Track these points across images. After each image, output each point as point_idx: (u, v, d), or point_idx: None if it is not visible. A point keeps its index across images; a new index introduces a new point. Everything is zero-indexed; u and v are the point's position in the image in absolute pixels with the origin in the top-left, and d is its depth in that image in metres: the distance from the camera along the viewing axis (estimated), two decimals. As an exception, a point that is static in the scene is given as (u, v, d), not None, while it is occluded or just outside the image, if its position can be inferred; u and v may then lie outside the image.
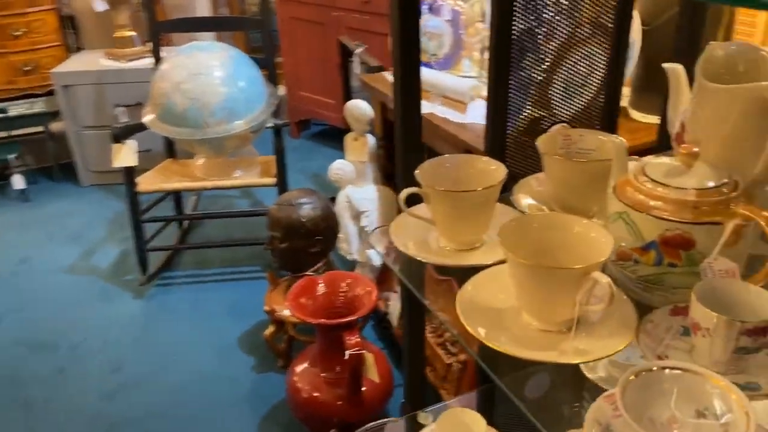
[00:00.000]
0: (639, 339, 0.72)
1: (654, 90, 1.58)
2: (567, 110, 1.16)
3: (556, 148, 0.99)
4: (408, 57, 0.91)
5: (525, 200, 1.03)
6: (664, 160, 0.80)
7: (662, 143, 1.16)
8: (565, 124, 1.13)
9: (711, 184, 0.75)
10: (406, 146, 0.96)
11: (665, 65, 1.03)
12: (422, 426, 1.11)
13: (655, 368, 0.61)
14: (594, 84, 1.24)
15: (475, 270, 0.87)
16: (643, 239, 0.75)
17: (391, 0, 0.87)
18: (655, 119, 1.65)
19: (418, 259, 0.92)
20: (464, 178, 0.91)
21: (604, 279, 0.68)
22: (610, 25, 1.17)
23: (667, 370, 0.60)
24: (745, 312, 0.67)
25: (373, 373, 1.85)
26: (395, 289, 2.29)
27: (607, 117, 1.18)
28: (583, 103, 1.22)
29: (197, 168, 2.81)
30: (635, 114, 1.78)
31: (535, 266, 0.71)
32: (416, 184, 0.97)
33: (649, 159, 0.82)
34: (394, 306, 2.26)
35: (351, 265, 2.53)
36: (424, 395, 1.39)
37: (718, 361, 0.67)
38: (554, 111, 1.13)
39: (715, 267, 0.72)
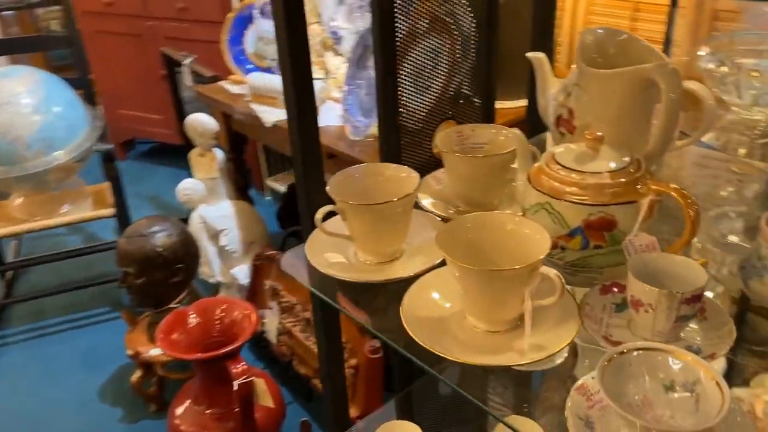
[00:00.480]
0: (584, 324, 0.74)
1: (507, 77, 1.65)
2: (418, 105, 1.16)
3: (452, 145, 0.99)
4: (301, 75, 0.84)
5: (425, 200, 1.02)
6: (570, 147, 0.83)
7: (534, 125, 1.21)
8: (451, 121, 1.13)
9: (619, 165, 0.79)
10: (306, 168, 0.90)
11: (528, 54, 1.07)
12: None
13: (624, 351, 0.62)
14: (440, 77, 1.24)
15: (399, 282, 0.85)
16: (568, 226, 0.77)
17: (275, 10, 0.79)
18: (514, 104, 1.74)
19: (341, 278, 0.87)
20: (375, 187, 0.88)
21: (553, 272, 0.69)
22: (448, 19, 1.19)
23: (635, 353, 0.62)
24: (677, 282, 0.71)
25: (266, 399, 1.76)
26: (268, 305, 2.19)
27: (485, 108, 1.20)
28: (433, 98, 1.22)
29: (15, 209, 2.47)
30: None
31: (482, 270, 0.70)
32: (321, 200, 0.92)
33: (555, 148, 0.84)
34: (270, 323, 2.16)
35: (214, 288, 2.39)
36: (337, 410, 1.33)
37: (661, 332, 0.70)
38: (407, 108, 1.12)
39: (636, 243, 0.75)
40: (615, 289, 0.79)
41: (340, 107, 1.83)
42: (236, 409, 1.78)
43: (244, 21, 2.27)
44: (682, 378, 0.61)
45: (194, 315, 1.84)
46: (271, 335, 2.18)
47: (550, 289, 0.71)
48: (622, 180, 0.77)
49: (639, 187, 0.76)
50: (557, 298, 0.69)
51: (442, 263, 0.82)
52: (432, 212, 0.97)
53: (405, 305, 0.78)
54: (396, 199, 0.83)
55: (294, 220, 2.34)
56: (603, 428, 0.58)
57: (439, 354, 0.71)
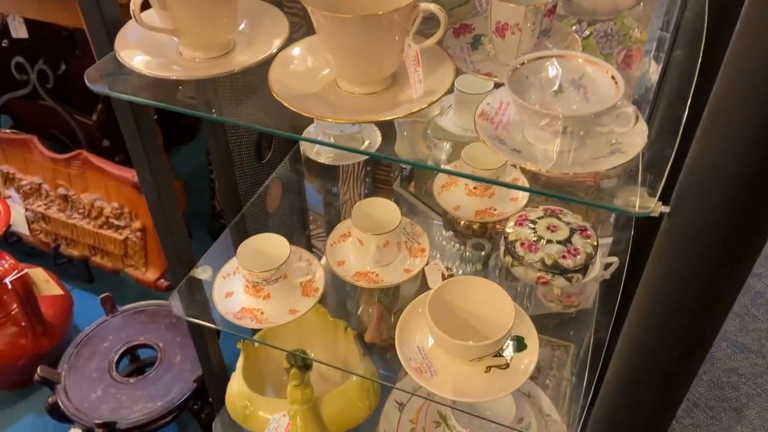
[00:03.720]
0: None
1: None
2: None
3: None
4: None
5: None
6: None
7: None
8: None
9: None
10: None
11: None
12: (200, 281, 0.95)
13: (523, 62, 0.62)
14: None
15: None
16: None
17: None
18: None
19: (173, 77, 0.70)
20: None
21: (433, 6, 0.64)
22: None
23: (539, 61, 0.62)
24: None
25: (50, 287, 1.50)
26: (5, 194, 1.81)
27: None
28: None
29: None
30: None
31: (356, 18, 0.61)
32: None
33: None
34: (15, 214, 1.80)
35: None
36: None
37: (525, 51, 0.72)
38: None
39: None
40: (465, 31, 0.77)
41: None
42: (14, 310, 1.50)
43: None
44: (571, 77, 0.63)
45: None
46: (21, 227, 1.83)
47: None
48: None
49: None
50: (442, 33, 0.65)
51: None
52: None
53: (272, 81, 0.66)
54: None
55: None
56: (512, 142, 0.59)
57: (318, 117, 0.64)
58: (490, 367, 0.79)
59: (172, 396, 1.38)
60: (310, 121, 0.88)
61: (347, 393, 1.06)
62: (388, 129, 1.20)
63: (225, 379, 1.11)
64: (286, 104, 0.63)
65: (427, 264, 0.93)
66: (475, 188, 0.98)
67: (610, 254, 1.04)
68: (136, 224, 1.67)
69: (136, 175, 1.60)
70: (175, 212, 0.86)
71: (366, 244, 0.90)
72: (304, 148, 1.14)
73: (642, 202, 0.51)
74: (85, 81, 0.70)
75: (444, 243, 1.23)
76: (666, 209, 0.50)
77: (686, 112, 0.56)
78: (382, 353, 1.16)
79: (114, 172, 1.62)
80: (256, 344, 1.15)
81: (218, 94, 0.76)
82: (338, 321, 1.14)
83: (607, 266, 0.99)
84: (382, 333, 1.11)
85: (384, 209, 0.94)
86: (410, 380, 1.14)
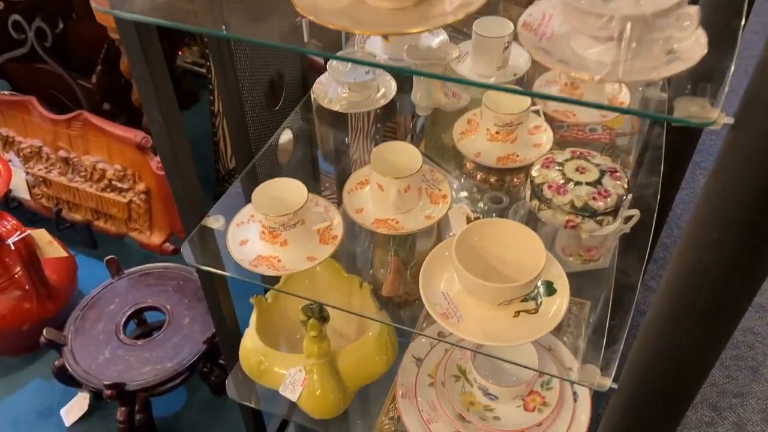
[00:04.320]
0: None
1: None
2: None
3: None
4: None
5: None
6: None
7: None
8: None
9: None
10: None
11: None
12: (211, 229, 0.91)
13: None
14: None
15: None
16: None
17: None
18: None
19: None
20: None
21: None
22: None
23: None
24: None
25: (54, 249, 1.46)
26: (4, 158, 1.76)
27: None
28: None
29: None
30: None
31: None
32: None
33: None
34: (15, 178, 1.75)
35: None
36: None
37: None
38: None
39: None
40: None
41: None
42: (17, 273, 1.47)
43: None
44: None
45: None
46: (22, 192, 1.78)
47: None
48: None
49: None
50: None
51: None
52: None
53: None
54: None
55: None
56: (559, 53, 0.54)
57: (343, 29, 0.59)
58: (519, 311, 0.76)
59: (181, 357, 1.35)
60: (334, 48, 0.83)
61: (364, 347, 1.02)
62: (404, 82, 1.15)
63: (237, 336, 1.07)
64: (308, 17, 0.58)
65: (450, 209, 0.89)
66: (497, 133, 0.94)
67: (631, 207, 1.01)
68: (140, 186, 1.62)
69: (139, 136, 1.56)
70: (186, 157, 0.82)
71: (386, 188, 0.86)
72: (316, 95, 1.09)
73: (703, 112, 0.47)
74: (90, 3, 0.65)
75: (460, 197, 1.19)
76: (730, 120, 0.46)
77: (744, 21, 0.52)
78: (397, 309, 1.13)
79: (116, 133, 1.57)
80: (269, 300, 1.11)
81: (233, 12, 0.70)
82: (352, 276, 1.10)
83: (627, 219, 0.95)
84: (398, 287, 1.07)
85: (403, 153, 0.89)
86: (430, 333, 1.10)
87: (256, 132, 1.03)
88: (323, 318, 0.95)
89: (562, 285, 0.77)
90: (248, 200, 0.95)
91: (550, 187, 0.82)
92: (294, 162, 1.13)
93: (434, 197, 0.91)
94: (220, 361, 1.43)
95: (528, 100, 0.93)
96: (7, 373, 1.54)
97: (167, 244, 1.67)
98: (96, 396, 1.41)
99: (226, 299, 1.01)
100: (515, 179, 1.18)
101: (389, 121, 1.29)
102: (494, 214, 1.14)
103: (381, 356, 1.04)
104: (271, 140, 1.04)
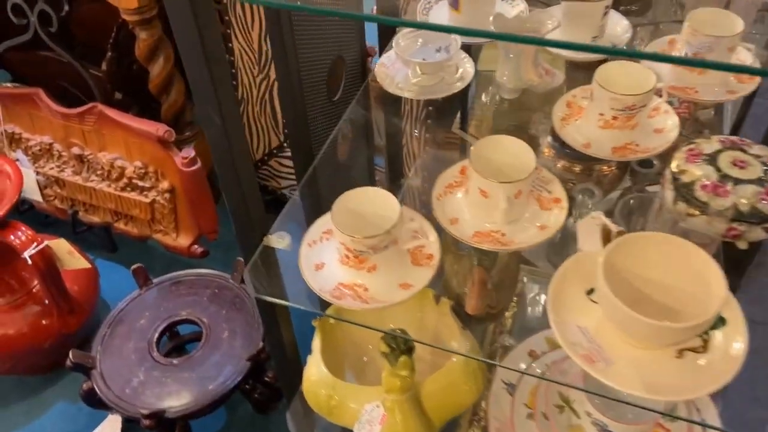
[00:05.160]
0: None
1: None
2: None
3: None
4: None
5: None
6: None
7: None
8: None
9: None
10: None
11: None
12: (274, 249, 0.75)
13: None
14: None
15: None
16: None
17: None
18: None
19: None
20: None
21: None
22: None
23: None
24: None
25: (75, 261, 1.29)
26: (12, 158, 1.59)
27: None
28: None
29: None
30: None
31: None
32: None
33: None
34: (25, 179, 1.58)
35: None
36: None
37: None
38: None
39: None
40: None
41: None
42: (35, 287, 1.30)
43: None
44: None
45: None
46: (33, 193, 1.61)
47: None
48: None
49: None
50: None
51: None
52: None
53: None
54: None
55: None
56: None
57: None
58: (683, 350, 0.59)
59: (224, 378, 1.19)
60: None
61: (450, 375, 0.87)
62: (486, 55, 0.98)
63: (298, 365, 0.91)
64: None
65: (570, 217, 0.72)
66: (614, 119, 0.76)
67: None
68: (164, 184, 1.45)
69: (161, 129, 1.37)
70: (247, 166, 0.65)
71: (492, 195, 0.68)
72: (380, 80, 0.91)
73: None
74: None
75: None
76: None
77: None
78: (478, 325, 0.97)
79: (135, 126, 1.39)
80: (332, 321, 0.95)
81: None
82: (425, 289, 0.93)
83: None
84: (484, 302, 0.91)
85: (509, 149, 0.72)
86: (518, 355, 0.95)
87: (314, 127, 0.86)
88: (409, 349, 0.79)
89: (733, 313, 0.60)
90: (310, 211, 0.78)
91: (704, 187, 0.65)
92: (354, 160, 0.96)
93: (544, 202, 0.74)
94: (265, 379, 1.28)
95: (653, 75, 0.75)
96: (29, 395, 1.39)
97: (195, 246, 1.51)
98: (128, 419, 1.26)
99: (287, 327, 0.84)
100: (605, 167, 1.01)
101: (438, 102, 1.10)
102: (583, 212, 0.97)
103: (470, 384, 0.88)
104: (331, 137, 0.86)
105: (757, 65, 0.84)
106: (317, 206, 0.80)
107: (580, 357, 0.59)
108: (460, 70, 0.90)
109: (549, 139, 1.04)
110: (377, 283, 0.67)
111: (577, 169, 1.02)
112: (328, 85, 0.90)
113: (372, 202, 0.67)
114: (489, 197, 0.69)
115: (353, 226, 0.65)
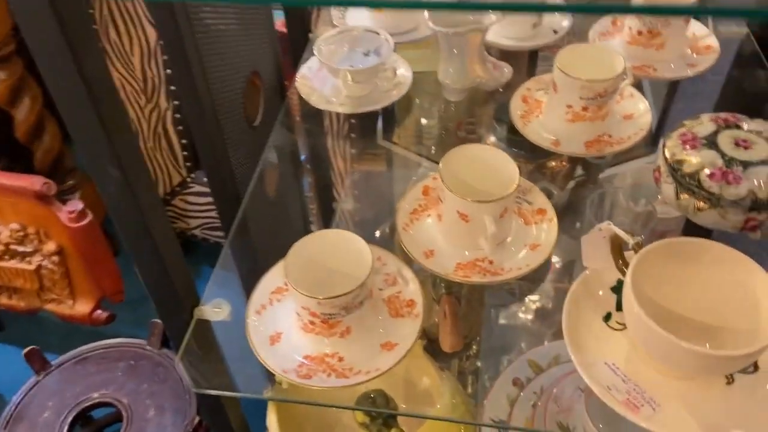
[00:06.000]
0: None
1: None
2: None
3: None
4: None
5: None
6: None
7: None
8: None
9: None
10: None
11: None
12: (209, 323, 0.58)
13: None
14: None
15: None
16: None
17: None
18: None
19: None
20: None
21: None
22: None
23: None
24: None
25: None
26: None
27: None
28: None
29: None
30: None
31: None
32: None
33: None
34: None
35: None
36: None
37: None
38: None
39: None
40: None
41: None
42: None
43: None
44: None
45: None
46: None
47: None
48: None
49: None
50: None
51: None
52: None
53: None
54: None
55: None
56: None
57: None
58: (731, 374, 0.49)
59: (158, 466, 0.99)
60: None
61: (438, 426, 0.73)
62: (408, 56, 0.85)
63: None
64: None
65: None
66: (584, 110, 0.66)
67: None
68: (49, 246, 1.22)
69: (37, 183, 1.15)
70: (163, 225, 0.48)
71: (474, 218, 0.56)
72: (306, 94, 0.76)
73: None
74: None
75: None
76: None
77: None
78: (457, 361, 0.86)
79: (4, 183, 1.15)
80: (284, 385, 0.79)
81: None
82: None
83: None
84: (461, 335, 0.79)
85: (476, 161, 0.60)
86: (501, 388, 0.83)
87: (236, 160, 0.70)
88: (391, 414, 0.65)
89: (775, 322, 0.51)
90: (245, 266, 0.63)
91: (711, 176, 0.56)
92: (282, 193, 0.81)
93: (527, 216, 0.63)
94: (208, 454, 1.09)
95: (619, 56, 0.66)
96: None
97: (98, 311, 1.28)
98: None
99: (235, 413, 0.67)
100: (555, 163, 0.93)
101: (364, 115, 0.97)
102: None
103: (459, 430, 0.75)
104: (258, 171, 0.70)
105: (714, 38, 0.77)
106: (253, 258, 0.64)
107: (622, 405, 0.47)
108: (401, 70, 0.77)
109: (492, 139, 0.95)
110: (353, 349, 0.52)
111: (530, 168, 0.92)
112: (245, 109, 0.74)
113: (334, 248, 0.53)
114: (470, 221, 0.56)
115: (314, 282, 0.50)
